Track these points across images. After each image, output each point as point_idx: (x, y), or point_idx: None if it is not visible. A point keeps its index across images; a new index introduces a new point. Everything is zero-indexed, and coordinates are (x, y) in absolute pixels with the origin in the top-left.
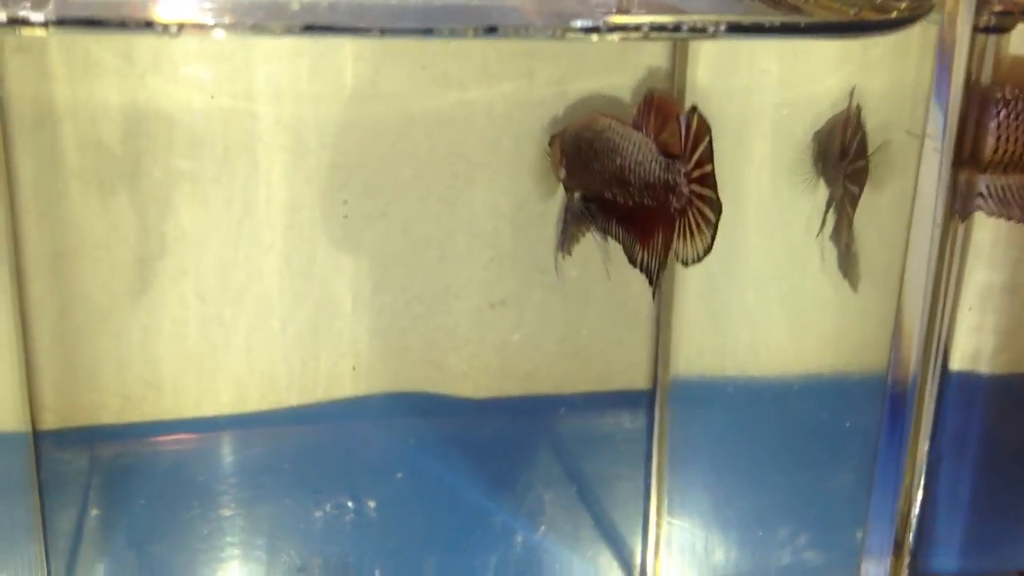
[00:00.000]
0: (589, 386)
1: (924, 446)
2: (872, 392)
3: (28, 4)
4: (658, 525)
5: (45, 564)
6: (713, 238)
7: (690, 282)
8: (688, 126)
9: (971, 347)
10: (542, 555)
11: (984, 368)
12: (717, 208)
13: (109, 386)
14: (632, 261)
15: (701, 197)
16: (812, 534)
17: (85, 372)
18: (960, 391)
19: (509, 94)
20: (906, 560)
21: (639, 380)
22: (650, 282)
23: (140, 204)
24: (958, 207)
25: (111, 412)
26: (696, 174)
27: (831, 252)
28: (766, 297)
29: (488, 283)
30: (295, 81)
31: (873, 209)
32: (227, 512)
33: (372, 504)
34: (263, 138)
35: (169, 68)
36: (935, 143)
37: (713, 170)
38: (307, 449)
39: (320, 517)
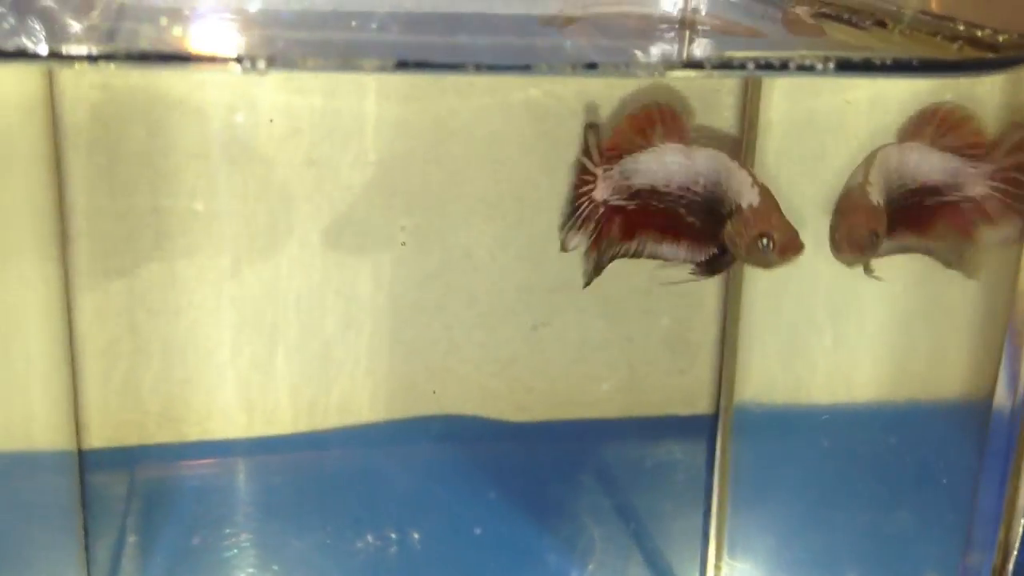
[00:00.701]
0: (643, 411)
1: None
2: (960, 425)
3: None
4: (717, 567)
5: None
6: None
7: (758, 304)
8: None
9: None
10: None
11: None
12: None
13: (147, 406)
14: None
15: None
16: None
17: (127, 392)
18: None
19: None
20: None
21: (700, 405)
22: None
23: (183, 229)
24: None
25: (149, 432)
26: None
27: (912, 275)
28: (841, 320)
29: (532, 304)
30: (327, 103)
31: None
32: (266, 540)
33: (416, 536)
34: (299, 154)
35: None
36: None
37: None
38: (351, 476)
39: (362, 548)
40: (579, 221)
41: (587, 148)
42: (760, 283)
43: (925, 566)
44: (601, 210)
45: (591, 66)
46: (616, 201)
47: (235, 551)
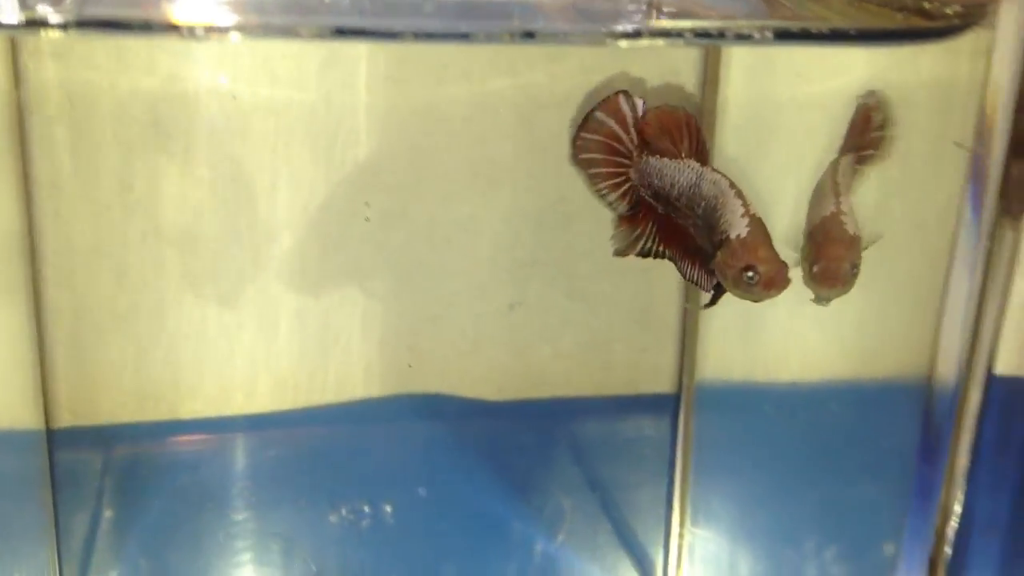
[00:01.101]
0: (611, 390)
1: (964, 459)
2: (909, 401)
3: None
4: (681, 535)
5: (57, 565)
6: None
7: None
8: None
9: (1017, 351)
10: (560, 564)
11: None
12: None
13: (123, 385)
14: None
15: None
16: (841, 548)
17: (100, 371)
18: (1003, 400)
19: (532, 92)
20: None
21: (664, 384)
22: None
23: (157, 204)
24: (1013, 206)
25: (125, 411)
26: None
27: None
28: (797, 301)
29: (508, 284)
30: (315, 74)
31: (917, 209)
32: (242, 515)
33: (388, 509)
34: (282, 136)
35: (186, 62)
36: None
37: None
38: (323, 451)
39: (336, 521)
40: (620, 189)
41: (621, 116)
42: None
43: (876, 532)
44: (637, 195)
45: (528, 35)
46: (647, 196)
47: (210, 526)
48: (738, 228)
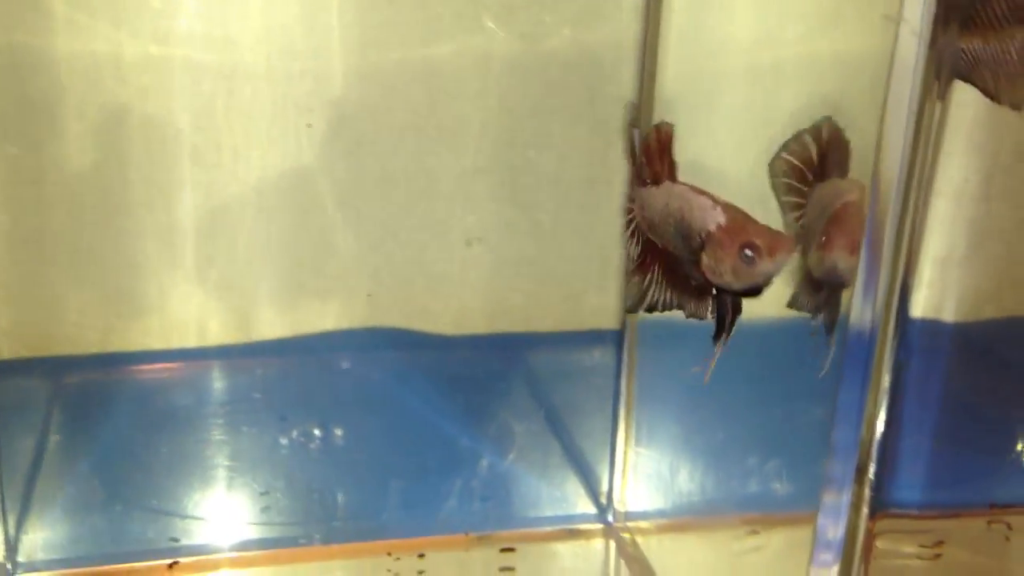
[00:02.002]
0: (563, 326)
1: (886, 378)
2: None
3: None
4: (625, 453)
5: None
6: None
7: None
8: None
9: (935, 295)
10: (511, 481)
11: (948, 313)
12: None
13: (72, 317)
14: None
15: None
16: (775, 463)
17: (46, 302)
18: (925, 330)
19: (479, 44)
20: (867, 489)
21: (610, 320)
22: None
23: (114, 136)
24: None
25: (76, 342)
26: None
27: None
28: None
29: (466, 221)
30: (280, 23)
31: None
32: (193, 440)
33: (339, 432)
34: (242, 75)
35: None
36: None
37: None
38: (276, 381)
39: (286, 444)
40: (627, 233)
41: (632, 152)
42: None
43: (808, 449)
44: (644, 236)
45: None
46: (648, 234)
47: (159, 451)
48: (714, 218)
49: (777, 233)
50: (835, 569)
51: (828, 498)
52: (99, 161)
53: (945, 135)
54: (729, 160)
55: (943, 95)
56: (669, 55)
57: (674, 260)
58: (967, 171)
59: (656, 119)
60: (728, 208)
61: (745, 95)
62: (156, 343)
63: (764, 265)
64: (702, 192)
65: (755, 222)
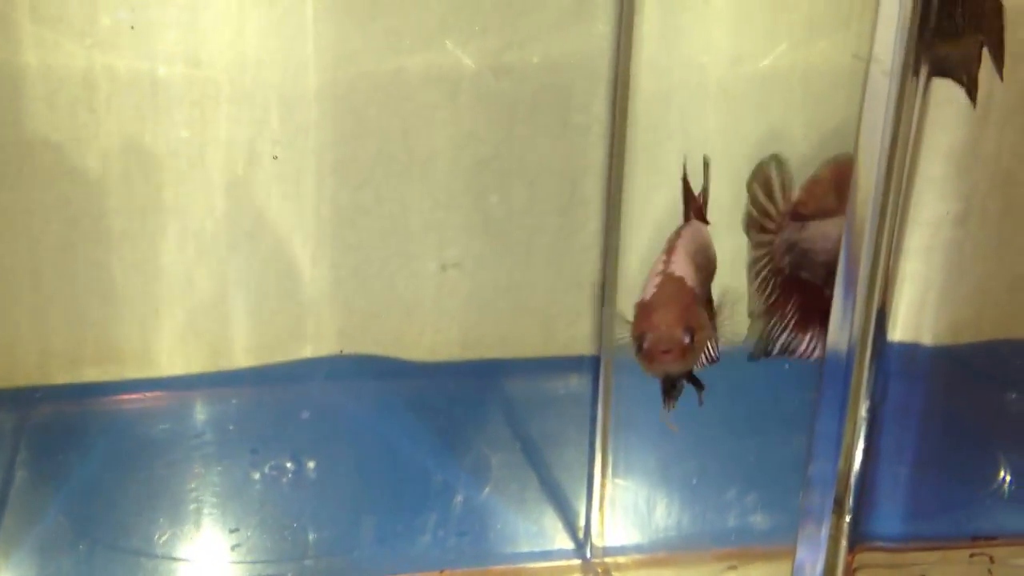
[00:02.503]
0: (538, 352)
1: (863, 407)
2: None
3: None
4: (603, 485)
5: None
6: None
7: (634, 249)
8: None
9: (913, 315)
10: (487, 515)
11: (927, 336)
12: None
13: (39, 347)
14: None
15: None
16: (756, 496)
17: (11, 333)
18: (902, 357)
19: (452, 61)
20: (846, 522)
21: (587, 346)
22: None
23: (79, 162)
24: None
25: (42, 373)
26: None
27: None
28: None
29: (441, 246)
30: (252, 37)
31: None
32: (164, 473)
33: (312, 465)
34: (217, 94)
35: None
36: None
37: None
38: (248, 412)
39: (258, 479)
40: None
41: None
42: (633, 239)
43: (785, 482)
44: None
45: None
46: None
47: (129, 485)
48: (645, 291)
49: (671, 336)
50: None
51: (806, 531)
52: (63, 188)
53: (922, 159)
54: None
55: (919, 122)
56: (641, 77)
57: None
58: (945, 197)
59: (629, 139)
60: (665, 280)
61: (720, 115)
62: (126, 373)
63: (644, 365)
64: (670, 248)
65: (669, 310)
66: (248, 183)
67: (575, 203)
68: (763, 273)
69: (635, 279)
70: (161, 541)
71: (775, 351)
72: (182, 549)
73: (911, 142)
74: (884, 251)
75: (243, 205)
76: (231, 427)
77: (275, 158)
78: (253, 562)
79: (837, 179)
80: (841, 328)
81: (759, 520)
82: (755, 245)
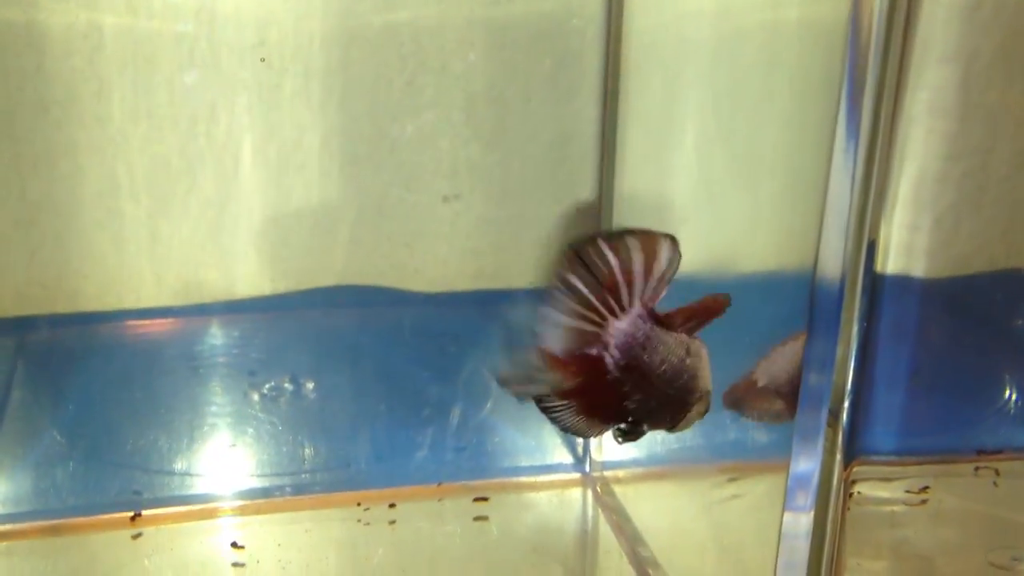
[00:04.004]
0: (537, 281)
1: (855, 327)
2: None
3: None
4: None
5: None
6: None
7: (629, 178)
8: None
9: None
10: (486, 431)
11: (919, 264)
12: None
13: (38, 277)
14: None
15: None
16: None
17: (12, 262)
18: (896, 283)
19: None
20: (840, 436)
21: None
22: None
23: (57, 85)
24: None
25: (42, 302)
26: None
27: (770, 161)
28: (696, 198)
29: (442, 176)
30: None
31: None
32: (161, 394)
33: (311, 387)
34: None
35: None
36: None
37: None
38: (250, 337)
39: (256, 399)
40: None
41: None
42: (627, 180)
43: None
44: None
45: None
46: None
47: (127, 404)
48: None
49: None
50: (810, 514)
51: (800, 445)
52: (61, 112)
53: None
54: (691, 138)
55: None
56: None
57: None
58: (942, 130)
59: (623, 83)
60: None
61: (709, 63)
62: (124, 303)
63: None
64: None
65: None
66: (254, 109)
67: (571, 133)
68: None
69: (630, 206)
70: (158, 456)
71: None
72: (178, 464)
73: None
74: (876, 169)
75: (248, 132)
76: (230, 351)
77: (262, 60)
78: (250, 475)
79: None
80: (832, 250)
81: (757, 435)
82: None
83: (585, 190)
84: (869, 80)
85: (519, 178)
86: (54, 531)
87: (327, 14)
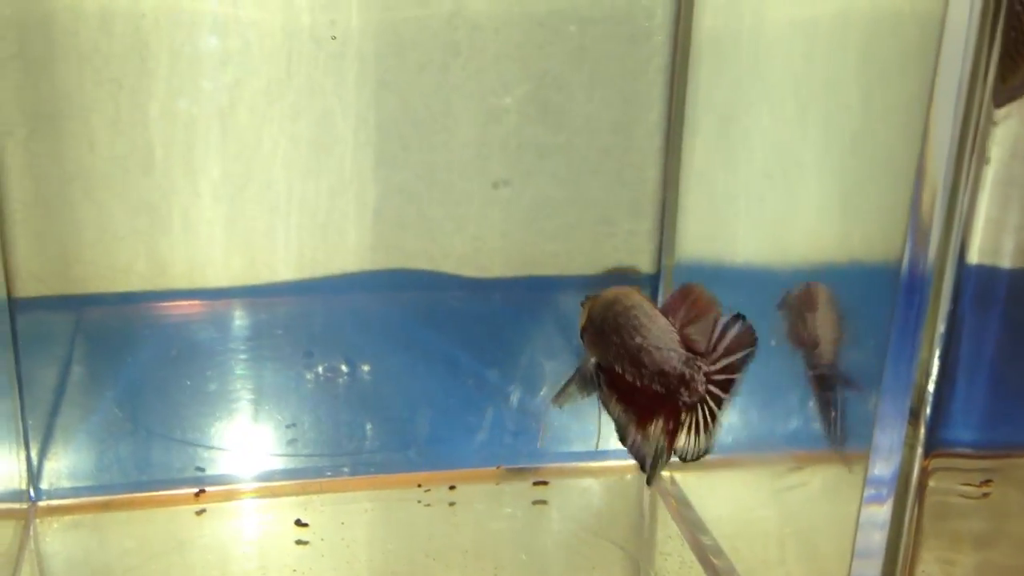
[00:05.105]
0: (594, 269)
1: (940, 326)
2: (885, 280)
3: None
4: None
5: (21, 418)
6: (714, 440)
7: (694, 168)
8: (725, 330)
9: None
10: (540, 417)
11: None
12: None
13: (96, 257)
14: (623, 440)
15: (716, 399)
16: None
17: (71, 241)
18: (981, 276)
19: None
20: (922, 429)
21: (644, 264)
22: (642, 467)
23: (130, 72)
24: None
25: (99, 281)
26: (719, 377)
27: (838, 141)
28: (771, 183)
29: (494, 163)
30: None
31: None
32: (218, 372)
33: (367, 369)
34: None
35: None
36: None
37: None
38: (302, 320)
39: (311, 379)
40: None
41: None
42: (695, 158)
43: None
44: None
45: None
46: None
47: (183, 383)
48: None
49: None
50: (888, 505)
51: (882, 436)
52: (120, 98)
53: None
54: (767, 121)
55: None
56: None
57: None
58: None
59: (691, 71)
60: None
61: (783, 54)
62: (179, 283)
63: None
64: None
65: None
66: (295, 97)
67: (633, 120)
68: None
69: (696, 193)
70: (217, 434)
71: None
72: (238, 441)
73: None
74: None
75: (295, 117)
76: (284, 333)
77: (333, 38)
78: (310, 455)
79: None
80: (919, 245)
81: (819, 425)
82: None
83: (647, 178)
84: (963, 69)
85: (576, 164)
86: (119, 505)
87: None
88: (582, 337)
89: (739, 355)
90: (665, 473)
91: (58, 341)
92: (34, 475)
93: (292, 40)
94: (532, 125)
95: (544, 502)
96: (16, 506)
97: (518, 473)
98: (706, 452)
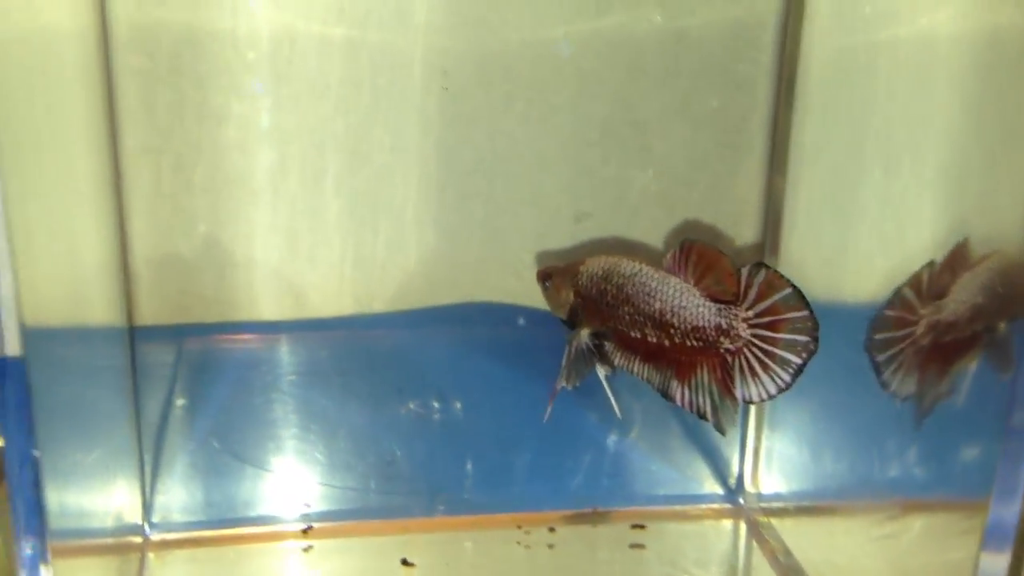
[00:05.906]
0: None
1: None
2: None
3: None
4: (757, 438)
5: (138, 444)
6: (795, 377)
7: (801, 208)
8: (751, 278)
9: None
10: (635, 458)
11: None
12: (809, 349)
13: (197, 289)
14: (669, 396)
15: (766, 339)
16: (919, 449)
17: (176, 275)
18: None
19: (620, 27)
20: None
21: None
22: (700, 415)
23: (226, 109)
24: None
25: (198, 312)
26: (762, 320)
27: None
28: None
29: (574, 196)
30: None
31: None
32: (309, 405)
33: (458, 405)
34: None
35: None
36: None
37: (809, 312)
38: (389, 352)
39: (405, 414)
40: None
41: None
42: (802, 192)
43: (942, 434)
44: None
45: None
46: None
47: (278, 414)
48: None
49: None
50: (1007, 555)
51: (1003, 484)
52: (222, 132)
53: None
54: (879, 141)
55: None
56: (815, 29)
57: None
58: None
59: (799, 96)
60: None
61: (891, 77)
62: (270, 314)
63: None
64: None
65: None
66: (374, 136)
67: (730, 149)
68: (902, 357)
69: (802, 236)
70: (323, 470)
71: (931, 410)
72: (343, 478)
73: None
74: None
75: (373, 156)
76: (376, 369)
77: (445, 89)
78: (411, 492)
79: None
80: None
81: (921, 471)
82: (888, 343)
83: (736, 205)
84: None
85: (653, 198)
86: (228, 540)
87: (473, 29)
88: (567, 314)
89: (775, 298)
90: (763, 519)
91: (168, 373)
92: (148, 508)
93: (388, 70)
94: (610, 162)
95: (642, 546)
96: (134, 539)
97: (613, 515)
98: (780, 391)
